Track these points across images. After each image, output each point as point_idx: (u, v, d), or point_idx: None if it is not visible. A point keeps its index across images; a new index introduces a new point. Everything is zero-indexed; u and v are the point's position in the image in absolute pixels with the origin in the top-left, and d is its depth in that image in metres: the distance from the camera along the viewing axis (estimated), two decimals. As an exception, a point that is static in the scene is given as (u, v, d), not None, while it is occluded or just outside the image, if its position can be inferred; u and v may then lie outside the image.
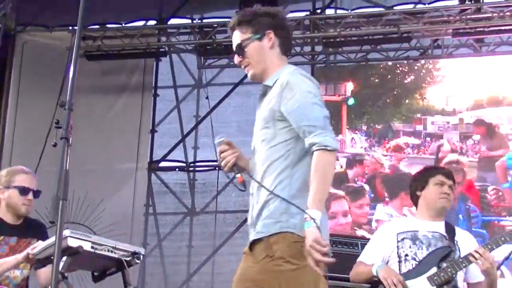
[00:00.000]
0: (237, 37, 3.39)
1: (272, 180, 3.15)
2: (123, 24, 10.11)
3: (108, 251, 5.46)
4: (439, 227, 4.45)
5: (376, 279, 4.34)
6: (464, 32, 8.99)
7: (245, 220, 9.89)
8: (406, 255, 4.38)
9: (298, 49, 9.86)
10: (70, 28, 9.33)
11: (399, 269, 4.34)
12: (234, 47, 3.40)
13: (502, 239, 4.32)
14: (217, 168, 10.05)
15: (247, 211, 10.69)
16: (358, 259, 4.61)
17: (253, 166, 3.30)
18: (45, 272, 4.44)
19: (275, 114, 3.20)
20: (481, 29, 8.98)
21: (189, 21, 10.11)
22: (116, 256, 5.54)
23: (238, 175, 3.24)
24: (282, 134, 3.20)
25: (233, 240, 9.59)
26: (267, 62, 3.35)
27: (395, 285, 4.22)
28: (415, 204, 4.59)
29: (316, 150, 3.02)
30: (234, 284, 3.24)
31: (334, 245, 5.84)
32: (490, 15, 8.86)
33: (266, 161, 3.20)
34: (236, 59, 3.40)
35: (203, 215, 9.91)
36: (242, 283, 3.21)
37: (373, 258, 4.47)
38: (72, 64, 3.01)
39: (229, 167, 3.27)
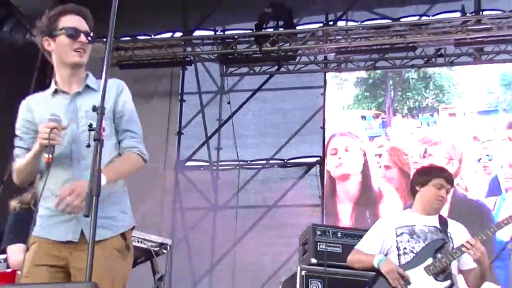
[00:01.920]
0: (85, 26, 3.28)
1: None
2: (152, 36, 10.18)
3: (139, 242, 5.53)
4: (434, 220, 4.46)
5: (376, 269, 4.35)
6: (465, 42, 8.99)
7: (264, 215, 9.99)
8: (405, 248, 4.38)
9: (312, 58, 9.87)
10: (104, 39, 9.38)
11: (399, 261, 4.35)
12: (82, 29, 3.26)
13: (492, 230, 4.34)
14: (238, 167, 10.09)
15: (265, 206, 10.70)
16: (356, 247, 4.61)
17: (75, 156, 3.16)
18: None
19: (111, 115, 3.23)
20: (481, 39, 8.96)
21: (212, 32, 10.16)
22: (145, 246, 5.61)
23: (48, 156, 3.01)
24: (114, 135, 3.26)
25: (253, 233, 9.61)
26: (85, 62, 3.33)
27: (398, 278, 4.24)
28: (413, 195, 4.59)
29: (135, 153, 3.25)
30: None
31: (344, 237, 5.89)
32: (489, 26, 8.85)
33: (104, 156, 3.02)
34: (84, 38, 3.24)
35: (225, 210, 9.93)
36: None
37: (371, 248, 4.48)
38: (103, 73, 3.04)
39: (47, 143, 3.00)
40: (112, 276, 3.07)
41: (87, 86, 3.28)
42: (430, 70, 9.56)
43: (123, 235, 3.18)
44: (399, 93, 9.60)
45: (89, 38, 3.26)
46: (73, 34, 3.23)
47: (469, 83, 9.25)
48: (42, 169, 3.16)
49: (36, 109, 3.24)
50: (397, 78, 9.70)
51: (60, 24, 3.26)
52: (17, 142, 3.29)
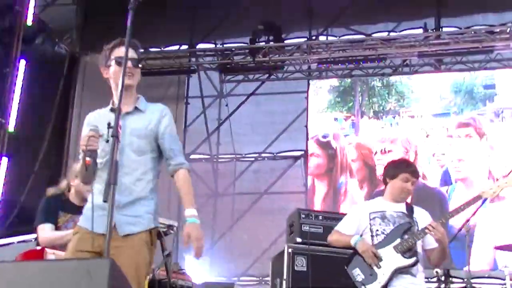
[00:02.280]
0: (132, 53, 3.32)
1: (146, 184, 3.30)
2: (162, 48, 10.13)
3: (150, 223, 5.46)
4: (402, 207, 4.42)
5: (353, 247, 4.33)
6: (427, 54, 9.00)
7: (257, 200, 10.03)
8: (377, 230, 4.34)
9: (297, 67, 9.84)
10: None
11: (372, 242, 4.32)
12: (130, 58, 3.26)
13: (450, 215, 4.31)
14: (235, 160, 10.06)
15: (258, 193, 10.68)
16: (336, 228, 4.54)
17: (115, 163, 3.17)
18: None
19: (153, 133, 3.34)
20: (441, 51, 8.97)
21: (213, 46, 10.13)
22: (156, 227, 5.53)
23: (88, 159, 3.07)
24: (154, 150, 3.35)
25: (247, 216, 9.59)
26: (135, 83, 3.41)
27: (371, 257, 4.23)
28: (385, 185, 4.56)
29: (184, 168, 3.35)
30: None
31: (325, 220, 5.85)
32: (447, 41, 8.86)
33: (140, 167, 3.28)
34: (132, 65, 3.31)
35: (224, 196, 9.91)
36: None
37: (349, 229, 4.43)
38: (120, 79, 3.02)
39: (88, 150, 3.09)
40: (139, 262, 3.16)
41: (136, 108, 3.37)
42: (392, 79, 9.56)
43: (150, 232, 3.24)
44: (366, 98, 9.59)
45: (135, 63, 3.35)
46: (121, 61, 3.24)
47: (425, 90, 9.26)
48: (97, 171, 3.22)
49: (94, 123, 3.27)
50: (364, 86, 9.69)
51: (112, 55, 3.37)
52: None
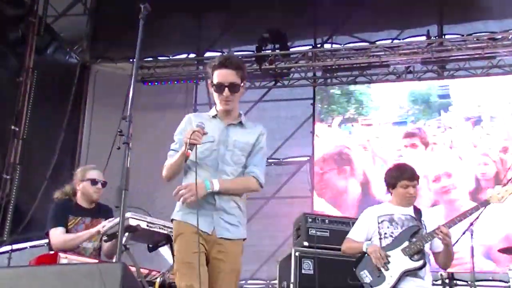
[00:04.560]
0: (231, 76, 3.34)
1: (240, 195, 3.43)
2: (171, 57, 10.15)
3: (160, 228, 5.44)
4: (410, 211, 4.42)
5: (365, 252, 4.32)
6: (430, 60, 8.97)
7: (263, 205, 9.94)
8: (385, 233, 4.34)
9: (303, 74, 9.83)
10: (131, 60, 9.38)
11: (380, 244, 4.31)
12: (227, 82, 3.31)
13: (458, 219, 4.27)
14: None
15: (264, 198, 10.63)
16: (348, 236, 4.54)
17: (219, 169, 3.35)
18: (106, 245, 4.43)
19: (250, 148, 3.42)
20: (443, 58, 8.95)
21: (220, 54, 10.12)
22: (165, 232, 5.52)
23: (189, 151, 3.15)
24: (244, 165, 3.42)
25: (254, 220, 9.54)
26: (236, 104, 3.46)
27: (379, 257, 4.22)
28: (390, 192, 4.54)
29: (252, 176, 3.40)
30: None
31: (331, 224, 5.84)
32: (450, 47, 8.83)
33: (238, 177, 3.39)
34: (227, 93, 3.33)
35: (231, 201, 9.86)
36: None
37: (359, 236, 4.44)
38: (131, 87, 3.04)
39: (191, 144, 3.15)
40: (239, 268, 3.43)
41: (240, 123, 3.45)
42: (351, 87, 9.46)
43: (242, 241, 3.44)
44: (325, 106, 9.54)
45: (233, 90, 3.34)
46: (219, 88, 3.34)
47: (383, 99, 9.16)
48: (186, 169, 3.32)
49: (196, 125, 3.32)
50: (324, 93, 9.63)
51: (213, 77, 3.37)
52: (172, 145, 3.43)
